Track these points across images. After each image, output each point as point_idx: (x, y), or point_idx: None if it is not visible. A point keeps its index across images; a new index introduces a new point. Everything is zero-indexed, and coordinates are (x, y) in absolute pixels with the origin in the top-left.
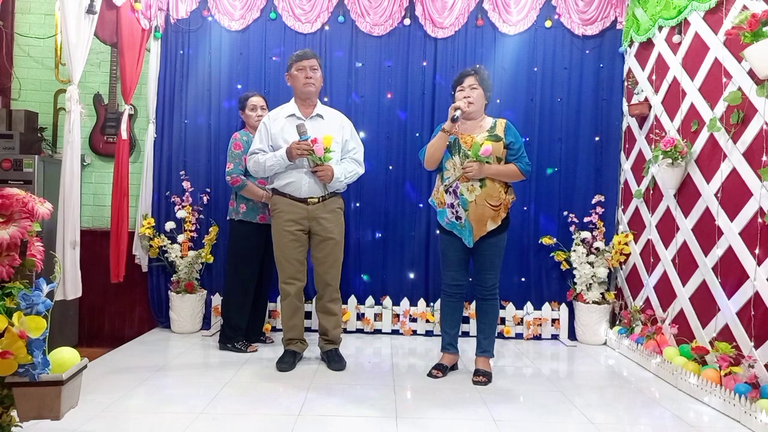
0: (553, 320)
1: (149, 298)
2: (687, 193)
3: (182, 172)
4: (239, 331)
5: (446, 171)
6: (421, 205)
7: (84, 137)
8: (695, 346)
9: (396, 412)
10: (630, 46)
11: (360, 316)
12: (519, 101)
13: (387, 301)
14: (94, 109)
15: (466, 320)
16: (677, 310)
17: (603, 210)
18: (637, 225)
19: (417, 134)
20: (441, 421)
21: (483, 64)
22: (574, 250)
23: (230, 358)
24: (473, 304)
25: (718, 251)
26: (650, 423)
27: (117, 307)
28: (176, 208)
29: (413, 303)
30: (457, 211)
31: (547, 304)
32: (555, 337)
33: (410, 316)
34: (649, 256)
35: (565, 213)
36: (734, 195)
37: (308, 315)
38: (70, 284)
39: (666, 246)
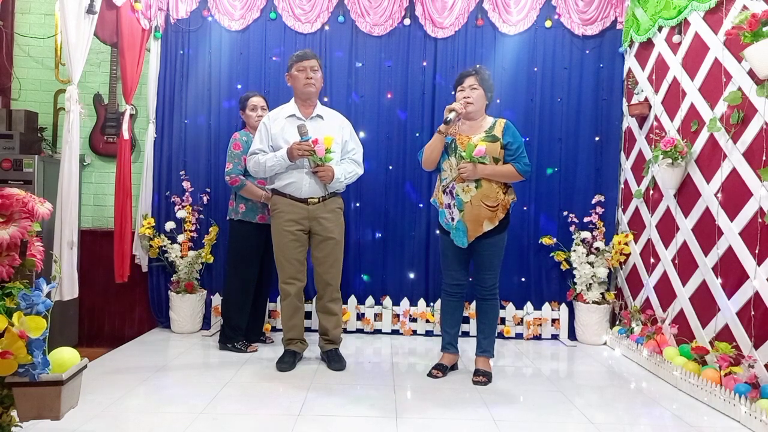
0: (553, 320)
1: (149, 298)
2: (687, 193)
3: (182, 172)
4: (239, 331)
5: (443, 172)
6: (421, 205)
7: (84, 137)
8: (695, 346)
9: (396, 412)
10: (630, 46)
11: (360, 316)
12: (519, 101)
13: (387, 301)
14: (94, 109)
15: (466, 320)
16: (677, 310)
17: (603, 210)
18: (637, 225)
19: (417, 134)
20: (441, 421)
21: (483, 64)
22: (574, 250)
23: (230, 358)
24: (473, 304)
25: (718, 251)
26: (650, 423)
27: (117, 307)
28: (176, 208)
29: (413, 303)
30: (452, 212)
31: (547, 304)
32: (555, 337)
33: (410, 316)
34: (649, 256)
35: (565, 213)
36: (734, 195)
37: (308, 315)
38: (66, 285)
39: (666, 246)
